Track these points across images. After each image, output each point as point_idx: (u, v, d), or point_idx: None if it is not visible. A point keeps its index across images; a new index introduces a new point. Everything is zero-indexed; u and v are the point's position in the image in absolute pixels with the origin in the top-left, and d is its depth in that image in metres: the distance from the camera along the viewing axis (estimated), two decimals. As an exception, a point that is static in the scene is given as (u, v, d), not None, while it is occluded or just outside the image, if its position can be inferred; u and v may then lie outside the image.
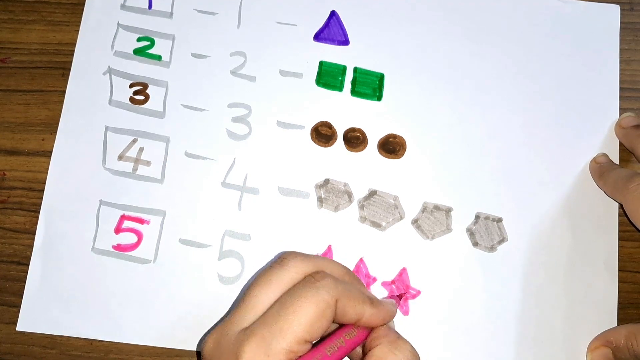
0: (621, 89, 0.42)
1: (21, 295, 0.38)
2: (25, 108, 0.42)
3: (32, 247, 0.39)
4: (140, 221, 0.40)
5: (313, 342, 0.28)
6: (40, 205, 0.40)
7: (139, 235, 0.39)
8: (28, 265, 0.39)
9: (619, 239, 0.39)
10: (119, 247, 0.39)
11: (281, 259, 0.30)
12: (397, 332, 0.30)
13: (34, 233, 0.39)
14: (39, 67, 0.43)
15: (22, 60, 0.43)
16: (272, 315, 0.27)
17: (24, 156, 0.41)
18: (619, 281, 0.39)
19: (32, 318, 0.38)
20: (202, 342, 0.32)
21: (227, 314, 0.35)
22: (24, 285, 0.38)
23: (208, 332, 0.29)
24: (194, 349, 0.37)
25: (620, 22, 0.43)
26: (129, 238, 0.39)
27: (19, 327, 0.38)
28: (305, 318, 0.27)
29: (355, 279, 0.32)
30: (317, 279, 0.28)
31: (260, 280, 0.29)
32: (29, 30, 0.43)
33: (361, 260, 0.39)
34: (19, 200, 0.40)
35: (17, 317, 0.38)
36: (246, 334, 0.27)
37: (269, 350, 0.26)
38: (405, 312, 0.38)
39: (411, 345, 0.29)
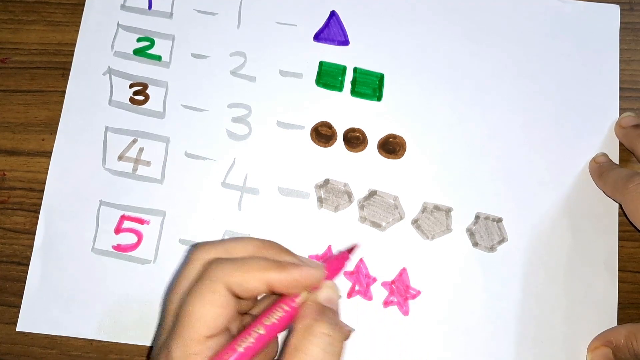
0: (621, 89, 0.42)
1: (21, 296, 0.38)
2: (25, 108, 0.42)
3: (32, 247, 0.39)
4: (140, 221, 0.40)
5: (235, 329, 0.27)
6: (40, 205, 0.40)
7: (139, 236, 0.39)
8: (28, 265, 0.39)
9: (619, 239, 0.39)
10: (119, 248, 0.39)
11: (187, 255, 0.28)
12: (317, 313, 0.26)
13: (34, 233, 0.39)
14: (39, 68, 0.43)
15: (22, 61, 0.43)
16: (172, 323, 0.26)
17: (24, 156, 0.41)
18: (619, 281, 0.39)
19: (32, 318, 0.38)
20: None
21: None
22: (24, 286, 0.38)
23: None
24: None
25: (620, 22, 0.43)
26: (129, 238, 0.39)
27: (19, 328, 0.38)
28: (196, 316, 0.25)
29: (272, 249, 0.28)
30: (208, 269, 0.26)
31: (172, 285, 0.28)
32: (29, 31, 0.43)
33: (361, 260, 0.39)
34: (19, 201, 0.40)
35: (17, 317, 0.38)
36: (160, 350, 0.26)
37: None
38: (406, 312, 0.38)
39: (329, 327, 0.25)
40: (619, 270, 0.39)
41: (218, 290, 0.26)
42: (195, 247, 0.28)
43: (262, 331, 0.26)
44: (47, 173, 0.40)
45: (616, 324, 0.38)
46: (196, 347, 0.25)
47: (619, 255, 0.39)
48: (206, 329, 0.25)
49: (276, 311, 0.27)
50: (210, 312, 0.25)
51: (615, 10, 0.43)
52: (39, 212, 0.40)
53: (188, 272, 0.27)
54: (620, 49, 0.43)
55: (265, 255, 0.27)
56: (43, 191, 0.40)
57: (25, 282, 0.39)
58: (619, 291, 0.38)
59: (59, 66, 0.43)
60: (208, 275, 0.26)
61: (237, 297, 0.26)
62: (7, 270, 0.39)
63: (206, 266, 0.27)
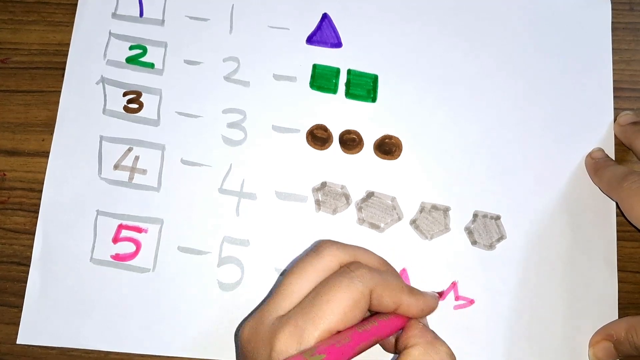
0: (621, 89, 0.42)
1: (21, 296, 0.38)
2: (25, 108, 0.42)
3: (32, 247, 0.39)
4: (138, 230, 0.39)
5: None
6: (40, 205, 0.40)
7: (137, 244, 0.39)
8: (28, 265, 0.39)
9: (619, 239, 0.39)
10: (117, 257, 0.39)
11: (317, 248, 0.30)
12: (434, 333, 0.29)
13: (34, 233, 0.39)
14: (39, 68, 0.43)
15: (22, 61, 0.43)
16: (306, 304, 0.28)
17: (24, 157, 0.41)
18: (619, 281, 0.39)
19: (32, 330, 0.38)
20: (239, 329, 0.33)
21: (263, 302, 0.35)
22: (24, 286, 0.38)
23: (245, 319, 0.30)
24: (195, 356, 0.37)
25: (620, 22, 0.43)
26: (127, 247, 0.39)
27: (19, 341, 0.38)
28: (339, 308, 0.27)
29: (391, 269, 0.32)
30: (352, 269, 0.28)
31: (296, 269, 0.29)
32: (29, 31, 0.43)
33: (361, 262, 0.39)
34: (19, 201, 0.40)
35: (18, 317, 0.38)
36: (281, 322, 0.27)
37: (301, 339, 0.26)
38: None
39: (448, 347, 0.28)
40: (619, 270, 0.39)
41: (365, 296, 0.28)
42: (326, 243, 0.30)
43: (376, 323, 0.28)
44: (46, 174, 0.40)
45: (617, 318, 0.38)
46: (327, 336, 0.27)
47: (618, 256, 0.39)
48: (341, 324, 0.27)
49: (388, 314, 0.29)
50: (351, 310, 0.27)
51: (606, 4, 0.44)
52: (38, 213, 0.40)
53: (319, 264, 0.29)
54: (620, 49, 0.43)
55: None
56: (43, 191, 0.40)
57: (25, 283, 0.38)
58: (619, 291, 0.39)
59: (59, 66, 0.42)
60: (356, 277, 0.28)
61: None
62: (7, 270, 0.39)
63: (350, 267, 0.28)
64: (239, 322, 0.38)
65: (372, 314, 0.30)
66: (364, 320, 0.29)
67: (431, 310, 0.30)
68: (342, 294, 0.27)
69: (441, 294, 0.36)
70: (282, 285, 0.29)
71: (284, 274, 0.30)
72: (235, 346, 0.37)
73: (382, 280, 0.28)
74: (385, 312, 0.29)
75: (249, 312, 0.38)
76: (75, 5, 0.44)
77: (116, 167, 0.41)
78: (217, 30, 0.43)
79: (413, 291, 0.30)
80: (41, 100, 0.42)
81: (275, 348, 0.27)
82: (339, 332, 0.27)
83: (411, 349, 0.28)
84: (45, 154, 0.41)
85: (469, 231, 0.39)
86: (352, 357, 0.27)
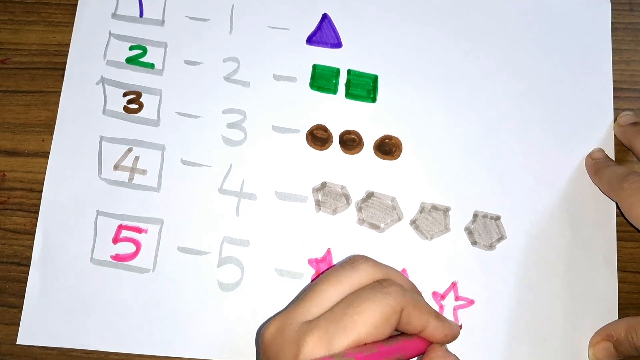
0: (621, 89, 0.42)
1: (21, 296, 0.38)
2: (25, 109, 0.42)
3: (32, 247, 0.39)
4: (138, 230, 0.39)
5: None
6: (40, 206, 0.40)
7: (137, 245, 0.39)
8: (28, 266, 0.39)
9: (619, 239, 0.39)
10: (117, 257, 0.39)
11: (353, 261, 0.30)
12: (455, 356, 0.29)
13: (34, 234, 0.39)
14: (39, 68, 0.43)
15: (22, 61, 0.43)
16: (338, 312, 0.28)
17: (24, 157, 0.41)
18: (619, 281, 0.39)
19: (32, 331, 0.38)
20: (262, 327, 0.33)
21: (289, 305, 0.36)
22: (24, 286, 0.38)
23: (270, 319, 0.30)
24: (195, 356, 0.37)
25: (620, 23, 0.43)
26: (127, 248, 0.39)
27: (19, 341, 0.38)
28: (371, 320, 0.27)
29: (419, 293, 0.32)
30: (385, 285, 0.29)
31: (330, 277, 0.29)
32: (29, 31, 0.43)
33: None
34: (19, 201, 0.40)
35: (18, 317, 0.38)
36: (310, 326, 0.27)
37: (330, 345, 0.27)
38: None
39: None
40: (619, 270, 0.39)
41: (397, 312, 0.28)
42: (360, 258, 0.30)
43: (400, 342, 0.29)
44: (46, 174, 0.40)
45: (617, 318, 0.38)
46: (353, 343, 0.27)
47: (618, 256, 0.39)
48: (370, 336, 0.27)
49: (413, 335, 0.30)
50: (382, 324, 0.27)
51: (606, 4, 0.44)
52: (38, 213, 0.40)
53: (354, 276, 0.29)
54: (620, 50, 0.43)
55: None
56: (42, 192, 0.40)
57: (25, 283, 0.38)
58: (619, 292, 0.39)
59: (59, 67, 0.42)
60: (389, 293, 0.28)
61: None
62: (7, 270, 0.39)
63: (382, 284, 0.29)
64: (239, 322, 0.38)
65: (398, 333, 0.30)
66: (390, 337, 0.29)
67: (454, 337, 0.30)
68: (374, 307, 0.27)
69: (461, 326, 0.36)
70: (313, 291, 0.29)
71: (315, 280, 0.30)
72: (256, 344, 0.37)
73: (412, 300, 0.29)
74: (410, 333, 0.30)
75: (249, 312, 0.38)
76: (75, 5, 0.44)
77: (116, 167, 0.41)
78: (217, 31, 0.43)
79: (440, 317, 0.30)
80: (41, 101, 0.42)
81: (303, 350, 0.27)
82: (366, 344, 0.27)
83: None
84: (45, 154, 0.41)
85: (469, 231, 0.39)
86: None
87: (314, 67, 0.42)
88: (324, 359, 0.26)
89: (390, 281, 0.29)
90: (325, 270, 0.37)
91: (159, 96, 0.42)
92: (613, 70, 0.42)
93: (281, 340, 0.28)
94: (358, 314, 0.27)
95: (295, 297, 0.38)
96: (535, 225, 0.40)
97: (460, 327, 0.36)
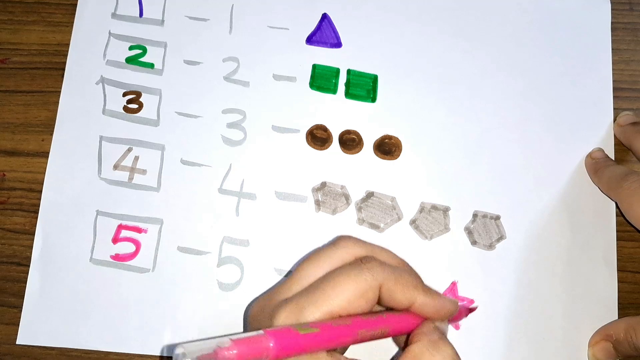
0: (621, 89, 0.42)
1: (21, 296, 0.38)
2: (25, 109, 0.42)
3: (32, 247, 0.39)
4: (138, 230, 0.39)
5: None
6: (40, 205, 0.40)
7: (137, 245, 0.39)
8: (28, 266, 0.39)
9: (619, 239, 0.39)
10: (117, 257, 0.39)
11: (335, 240, 0.30)
12: (442, 333, 0.29)
13: (33, 234, 0.39)
14: (38, 68, 0.43)
15: (22, 61, 0.43)
16: (312, 287, 0.28)
17: (23, 157, 0.41)
18: (619, 281, 0.39)
19: (32, 331, 0.38)
20: (249, 307, 0.34)
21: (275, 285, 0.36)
22: (24, 287, 0.38)
23: (255, 299, 0.31)
24: (196, 356, 0.37)
25: (620, 22, 0.43)
26: (127, 247, 0.39)
27: (19, 341, 0.38)
28: (345, 294, 0.27)
29: (409, 268, 0.31)
30: (364, 262, 0.28)
31: (311, 257, 0.30)
32: (29, 31, 0.43)
33: (360, 262, 0.39)
34: (18, 201, 0.40)
35: (17, 317, 0.38)
36: (286, 302, 0.28)
37: (300, 316, 0.27)
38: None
39: (453, 350, 0.28)
40: (618, 270, 0.39)
41: (373, 288, 0.28)
42: (344, 237, 0.30)
43: (384, 316, 0.28)
44: (46, 174, 0.40)
45: (617, 318, 0.38)
46: (325, 315, 0.27)
47: (618, 256, 0.39)
48: (343, 310, 0.27)
49: (404, 315, 0.29)
50: (356, 299, 0.27)
51: (606, 4, 0.44)
52: (38, 212, 0.40)
53: (334, 254, 0.29)
54: (619, 49, 0.43)
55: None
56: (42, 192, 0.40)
57: (25, 283, 0.38)
58: (619, 291, 0.39)
59: (58, 67, 0.42)
60: (367, 269, 0.28)
61: (377, 300, 0.28)
62: (7, 270, 0.39)
63: (362, 260, 0.29)
64: (239, 322, 0.38)
65: (384, 309, 0.30)
66: (373, 312, 0.29)
67: (448, 313, 0.30)
68: (349, 281, 0.27)
69: (472, 310, 0.35)
70: (295, 271, 0.30)
71: (299, 261, 0.30)
72: (244, 323, 0.38)
73: (393, 276, 0.28)
74: (399, 309, 0.29)
75: (249, 312, 0.38)
76: (75, 5, 0.44)
77: (116, 167, 0.41)
78: (217, 30, 0.43)
79: (429, 291, 0.29)
80: (41, 101, 0.42)
81: (274, 323, 0.27)
82: (340, 317, 0.27)
83: (413, 344, 0.28)
84: (45, 154, 0.41)
85: (469, 231, 0.39)
86: (353, 343, 0.27)
87: (314, 67, 0.42)
88: (284, 328, 0.26)
89: (370, 258, 0.29)
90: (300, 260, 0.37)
91: (159, 96, 0.42)
92: (612, 70, 0.43)
93: (261, 318, 0.29)
94: (331, 288, 0.27)
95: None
96: (535, 225, 0.40)
97: (472, 310, 0.35)
